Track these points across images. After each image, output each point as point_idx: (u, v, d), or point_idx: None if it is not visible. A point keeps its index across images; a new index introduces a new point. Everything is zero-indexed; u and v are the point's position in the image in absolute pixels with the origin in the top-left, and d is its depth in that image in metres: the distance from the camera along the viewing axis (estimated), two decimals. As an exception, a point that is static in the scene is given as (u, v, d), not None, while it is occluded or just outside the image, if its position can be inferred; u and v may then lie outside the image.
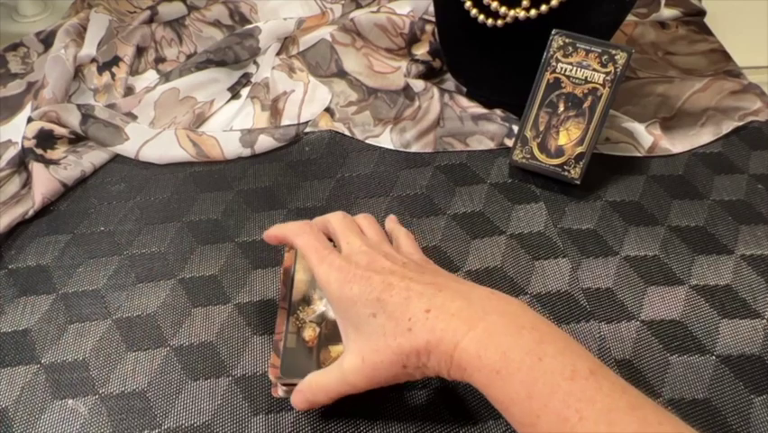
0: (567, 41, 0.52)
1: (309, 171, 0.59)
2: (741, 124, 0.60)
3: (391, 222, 0.47)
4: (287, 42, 0.72)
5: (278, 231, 0.42)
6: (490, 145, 0.60)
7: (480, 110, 0.62)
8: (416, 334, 0.33)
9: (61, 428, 0.41)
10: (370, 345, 0.35)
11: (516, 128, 0.59)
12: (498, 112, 0.61)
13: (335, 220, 0.42)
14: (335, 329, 0.39)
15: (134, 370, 0.44)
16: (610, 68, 0.51)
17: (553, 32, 0.52)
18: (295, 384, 0.39)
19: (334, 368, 0.37)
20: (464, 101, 0.63)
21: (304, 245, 0.39)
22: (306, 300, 0.43)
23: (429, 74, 0.68)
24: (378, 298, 0.35)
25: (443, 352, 0.33)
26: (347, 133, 0.62)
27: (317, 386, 0.38)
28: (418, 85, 0.64)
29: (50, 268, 0.51)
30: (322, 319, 0.42)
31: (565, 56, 0.52)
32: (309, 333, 0.41)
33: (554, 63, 0.53)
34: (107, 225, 0.54)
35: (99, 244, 0.53)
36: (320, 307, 0.42)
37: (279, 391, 0.42)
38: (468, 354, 0.32)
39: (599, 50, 0.51)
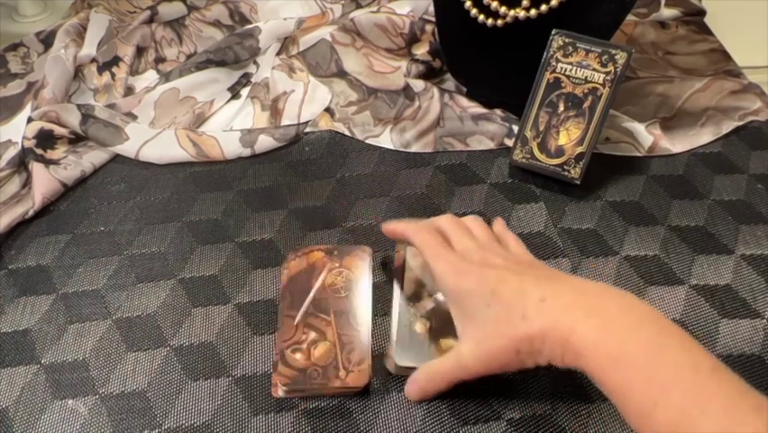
0: (567, 40, 0.52)
1: (309, 171, 0.59)
2: (741, 123, 0.60)
3: (499, 225, 0.48)
4: (287, 42, 0.72)
5: (397, 227, 0.45)
6: (490, 145, 0.60)
7: (480, 110, 0.62)
8: (531, 321, 0.35)
9: (61, 428, 0.41)
10: (484, 331, 0.37)
11: (516, 128, 0.59)
12: (498, 112, 0.61)
13: (445, 222, 0.44)
14: (444, 324, 0.43)
15: (134, 370, 0.44)
16: (610, 67, 0.51)
17: (552, 31, 0.52)
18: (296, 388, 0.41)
19: (451, 355, 0.39)
20: (464, 101, 0.63)
21: (421, 242, 0.42)
22: (417, 296, 0.46)
23: (429, 74, 0.68)
24: (492, 289, 0.37)
25: (558, 338, 0.34)
26: (347, 133, 0.62)
27: (434, 372, 0.40)
28: (418, 85, 0.64)
29: (50, 268, 0.51)
30: (432, 315, 0.44)
31: (565, 56, 0.52)
32: (420, 326, 0.44)
33: (554, 63, 0.53)
34: (107, 226, 0.54)
35: (99, 244, 0.53)
36: (429, 303, 0.45)
37: (279, 392, 0.42)
38: (585, 341, 0.33)
39: (599, 50, 0.51)
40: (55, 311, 0.48)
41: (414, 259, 0.47)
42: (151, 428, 0.41)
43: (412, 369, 0.42)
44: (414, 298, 0.46)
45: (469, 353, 0.38)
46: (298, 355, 0.43)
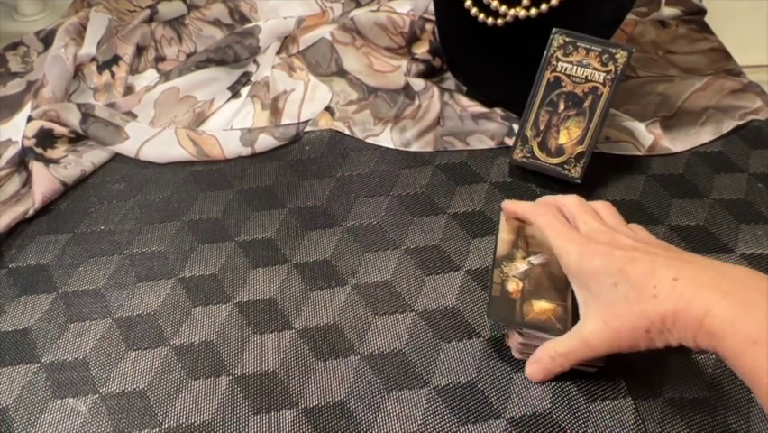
0: (567, 39, 0.52)
1: (309, 170, 0.59)
2: (741, 122, 0.60)
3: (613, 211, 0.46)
4: (287, 41, 0.72)
5: (517, 209, 0.45)
6: (491, 144, 0.60)
7: (481, 109, 0.62)
8: (662, 300, 0.34)
9: (62, 427, 0.41)
10: (611, 310, 0.36)
11: (516, 127, 0.59)
12: (499, 111, 0.61)
13: (571, 202, 0.43)
14: (537, 287, 0.43)
15: (135, 369, 0.44)
16: (611, 66, 0.51)
17: (553, 30, 0.52)
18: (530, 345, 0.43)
19: (573, 335, 0.38)
20: (464, 100, 0.62)
21: (544, 223, 0.42)
22: (510, 258, 0.45)
23: (429, 73, 0.68)
24: (620, 269, 0.36)
25: (692, 318, 0.33)
26: (347, 132, 0.62)
27: (558, 352, 0.39)
28: (418, 84, 0.64)
29: (50, 267, 0.51)
30: (525, 276, 0.44)
31: (565, 55, 0.52)
32: (513, 286, 0.44)
33: (555, 62, 0.53)
34: (107, 225, 0.54)
35: (99, 243, 0.53)
36: (523, 265, 0.45)
37: (512, 345, 0.44)
38: (721, 321, 0.32)
39: (600, 49, 0.51)
40: (55, 310, 0.48)
41: (508, 222, 0.47)
42: (152, 427, 0.41)
43: (504, 323, 0.44)
44: (507, 258, 0.45)
45: (595, 332, 0.37)
46: None
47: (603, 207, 0.43)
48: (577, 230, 0.40)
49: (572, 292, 0.42)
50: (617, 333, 0.36)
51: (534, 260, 0.45)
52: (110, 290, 0.49)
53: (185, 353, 0.45)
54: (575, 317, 0.40)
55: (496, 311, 0.42)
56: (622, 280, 0.36)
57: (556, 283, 0.43)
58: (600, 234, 0.39)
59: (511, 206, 0.45)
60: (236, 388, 0.43)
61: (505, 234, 0.46)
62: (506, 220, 0.47)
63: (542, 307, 0.42)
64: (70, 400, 0.43)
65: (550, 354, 0.40)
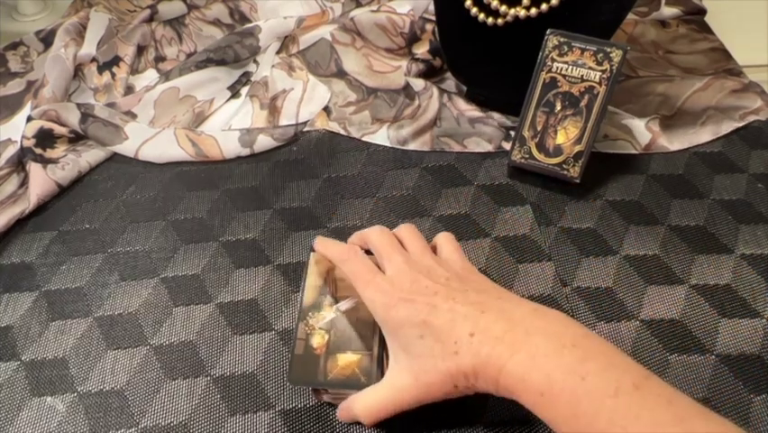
0: (562, 40, 0.52)
1: (296, 171, 0.58)
2: (742, 124, 0.60)
3: (441, 236, 0.45)
4: (287, 41, 0.72)
5: (327, 252, 0.43)
6: (488, 147, 0.60)
7: (477, 114, 0.61)
8: (463, 357, 0.34)
9: (39, 425, 0.41)
10: (420, 365, 0.36)
11: (512, 132, 0.59)
12: (495, 115, 0.61)
13: (374, 237, 0.42)
14: (344, 337, 0.41)
15: (113, 368, 0.44)
16: (606, 65, 0.51)
17: (547, 31, 0.52)
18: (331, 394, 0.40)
19: (385, 387, 0.38)
20: (462, 104, 0.62)
21: (350, 272, 0.40)
22: (317, 307, 0.42)
23: (430, 73, 0.68)
24: (423, 321, 0.36)
25: (489, 375, 0.34)
26: (342, 132, 0.62)
27: (366, 406, 0.38)
28: (418, 84, 0.64)
29: (34, 265, 0.51)
30: (331, 326, 0.41)
31: (560, 55, 0.52)
32: (318, 340, 0.41)
33: (550, 63, 0.52)
34: (93, 223, 0.54)
35: (84, 241, 0.53)
36: (330, 314, 0.42)
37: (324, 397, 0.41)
38: (512, 378, 0.33)
39: (594, 49, 0.51)
40: (37, 308, 0.48)
41: (317, 265, 0.44)
42: (128, 426, 0.41)
43: (307, 386, 0.41)
44: (314, 308, 0.42)
45: (406, 388, 0.37)
46: None
47: (407, 235, 0.42)
48: (382, 275, 0.39)
49: (380, 335, 0.40)
50: (428, 388, 0.36)
51: (343, 305, 0.42)
52: (92, 289, 0.49)
53: (164, 353, 0.45)
54: (384, 361, 0.39)
55: (297, 374, 0.39)
56: (426, 332, 0.36)
57: (362, 330, 0.41)
58: (403, 275, 0.38)
59: (321, 247, 0.43)
60: (214, 389, 0.43)
61: (312, 279, 0.43)
62: (315, 262, 0.44)
63: (346, 360, 0.40)
64: (48, 399, 0.43)
65: (359, 407, 0.38)
